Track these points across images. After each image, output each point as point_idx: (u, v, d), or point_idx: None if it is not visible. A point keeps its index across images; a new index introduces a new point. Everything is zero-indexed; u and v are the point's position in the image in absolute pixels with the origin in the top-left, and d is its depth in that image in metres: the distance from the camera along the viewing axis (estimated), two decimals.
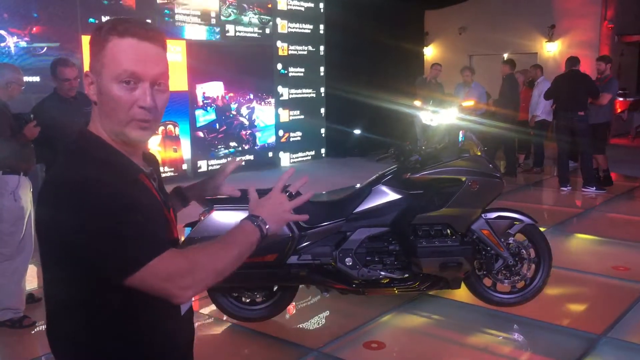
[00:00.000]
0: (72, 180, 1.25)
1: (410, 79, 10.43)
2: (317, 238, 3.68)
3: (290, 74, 10.45)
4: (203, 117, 9.17)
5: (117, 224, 1.21)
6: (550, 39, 13.62)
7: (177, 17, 8.65)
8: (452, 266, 3.66)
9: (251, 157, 9.93)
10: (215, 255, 1.32)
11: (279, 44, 10.19)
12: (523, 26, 13.65)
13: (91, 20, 7.43)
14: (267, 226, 1.42)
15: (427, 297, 4.29)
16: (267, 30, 9.99)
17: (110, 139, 1.35)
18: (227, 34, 9.36)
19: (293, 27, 10.42)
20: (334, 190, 7.63)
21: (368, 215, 3.75)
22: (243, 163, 1.98)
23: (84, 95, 4.31)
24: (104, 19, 6.81)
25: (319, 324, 4.08)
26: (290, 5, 10.33)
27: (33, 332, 3.88)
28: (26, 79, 5.07)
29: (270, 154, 10.30)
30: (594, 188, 7.95)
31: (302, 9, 10.59)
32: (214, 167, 9.34)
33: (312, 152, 11.09)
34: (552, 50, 13.64)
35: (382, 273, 3.70)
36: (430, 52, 15.15)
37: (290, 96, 10.51)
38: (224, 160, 9.50)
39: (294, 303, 4.07)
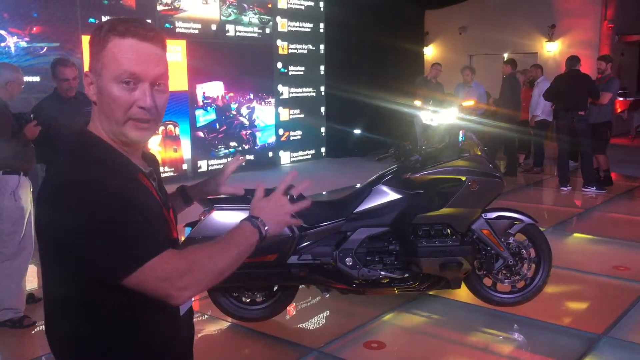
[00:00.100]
0: (72, 180, 1.25)
1: (411, 78, 10.43)
2: (317, 238, 3.68)
3: (290, 73, 10.45)
4: (203, 117, 9.17)
5: (116, 224, 1.21)
6: (551, 38, 13.62)
7: (177, 17, 8.65)
8: (452, 266, 3.66)
9: (251, 157, 9.93)
10: (214, 256, 1.31)
11: (279, 42, 10.19)
12: (523, 26, 13.65)
13: (91, 20, 7.43)
14: (266, 227, 1.41)
15: (427, 297, 4.28)
16: (267, 30, 9.99)
17: (109, 139, 1.34)
18: (227, 34, 9.36)
19: (293, 26, 10.42)
20: (334, 190, 7.64)
21: (368, 215, 3.75)
22: (244, 163, 1.97)
23: (84, 95, 4.31)
24: (104, 19, 6.81)
25: (319, 323, 4.08)
26: (291, 3, 10.33)
27: (33, 332, 3.87)
28: (26, 79, 5.07)
29: (271, 154, 10.30)
30: (594, 188, 7.95)
31: (302, 7, 10.59)
32: (214, 167, 9.34)
33: (312, 151, 11.09)
34: (552, 50, 13.64)
35: (382, 273, 3.70)
36: (431, 52, 15.15)
37: (291, 95, 10.51)
38: (224, 160, 9.50)
39: (294, 303, 4.06)
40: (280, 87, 10.29)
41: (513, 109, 8.86)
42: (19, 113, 4.00)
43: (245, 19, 9.63)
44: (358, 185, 4.24)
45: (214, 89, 9.26)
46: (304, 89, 10.76)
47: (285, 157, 10.57)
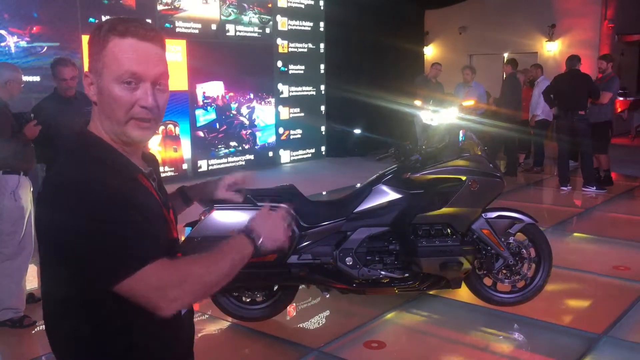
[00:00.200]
0: (72, 180, 1.25)
1: (411, 78, 10.43)
2: (317, 237, 3.68)
3: (290, 72, 10.46)
4: (203, 117, 9.17)
5: (114, 225, 1.21)
6: (551, 38, 13.62)
7: (177, 17, 8.65)
8: (453, 266, 3.66)
9: (251, 157, 9.94)
10: (206, 268, 1.30)
11: (279, 41, 10.19)
12: (523, 26, 13.64)
13: (91, 20, 7.42)
14: (260, 241, 1.42)
15: (428, 296, 4.28)
16: (267, 30, 9.99)
17: (110, 139, 1.34)
18: (227, 34, 9.36)
19: (293, 25, 10.42)
20: (334, 190, 7.64)
21: (368, 215, 3.75)
22: (247, 178, 1.92)
23: (84, 95, 4.28)
24: (104, 18, 6.81)
25: (319, 323, 4.07)
26: (291, 2, 10.33)
27: (33, 331, 3.87)
28: (26, 78, 5.07)
29: (271, 154, 10.30)
30: (594, 188, 7.95)
31: (302, 6, 10.59)
32: (214, 167, 9.35)
33: (313, 150, 11.09)
34: (552, 49, 13.64)
35: (383, 272, 3.70)
36: (431, 52, 15.15)
37: (291, 94, 10.51)
38: (224, 160, 9.50)
39: (294, 303, 4.06)
40: (280, 86, 10.29)
41: (513, 108, 8.85)
42: (19, 113, 4.00)
43: (246, 18, 9.63)
44: (358, 185, 4.23)
45: (214, 88, 9.26)
46: (304, 88, 10.77)
47: (285, 155, 10.57)
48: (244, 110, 9.79)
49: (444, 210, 3.71)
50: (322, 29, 10.95)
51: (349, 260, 3.66)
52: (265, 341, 3.74)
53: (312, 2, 10.75)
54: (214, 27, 9.14)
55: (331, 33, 10.94)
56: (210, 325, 3.97)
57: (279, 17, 10.15)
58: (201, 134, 9.14)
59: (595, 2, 13.11)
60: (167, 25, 8.46)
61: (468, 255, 3.68)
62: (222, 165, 9.46)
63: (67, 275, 1.27)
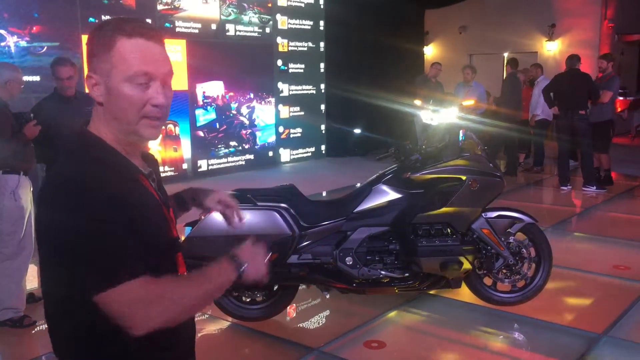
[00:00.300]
0: (71, 181, 1.25)
1: (411, 78, 10.43)
2: (317, 237, 3.68)
3: (290, 70, 10.46)
4: (203, 117, 9.16)
5: (115, 224, 1.22)
6: (551, 38, 13.62)
7: (177, 16, 8.65)
8: (453, 265, 3.66)
9: (251, 157, 9.93)
10: (188, 291, 1.30)
11: (279, 40, 10.20)
12: (523, 25, 13.64)
13: (91, 19, 7.42)
14: (243, 268, 1.41)
15: (428, 296, 4.28)
16: (267, 30, 9.99)
17: (111, 140, 1.35)
18: (227, 33, 9.36)
19: (293, 23, 10.43)
20: (334, 190, 7.64)
21: (368, 215, 3.75)
22: (238, 217, 1.89)
23: (84, 95, 4.31)
24: (104, 18, 6.81)
25: (319, 323, 4.08)
26: (291, 1, 10.33)
27: (33, 331, 3.87)
28: (26, 78, 5.07)
29: (271, 153, 10.30)
30: (594, 187, 7.95)
31: (302, 5, 10.59)
32: (214, 167, 9.34)
33: (312, 149, 11.09)
34: (552, 49, 13.64)
35: (383, 272, 3.70)
36: (431, 52, 15.14)
37: (291, 92, 10.51)
38: (224, 160, 9.50)
39: (294, 303, 4.06)
40: (280, 85, 10.29)
41: (514, 108, 8.85)
42: (19, 113, 4.00)
43: (245, 18, 9.63)
44: (358, 185, 4.24)
45: (214, 88, 9.26)
46: (304, 87, 10.77)
47: (285, 154, 10.57)
48: (244, 110, 9.79)
49: (444, 209, 3.71)
50: (322, 28, 10.95)
51: (349, 260, 3.66)
52: (265, 341, 3.74)
53: (312, 1, 10.75)
54: (213, 26, 9.14)
55: (331, 32, 10.94)
56: (210, 325, 3.97)
57: (279, 16, 10.15)
58: (201, 133, 9.14)
59: (595, 2, 13.10)
60: (167, 25, 8.45)
61: (468, 254, 3.68)
62: (222, 165, 9.46)
63: (65, 275, 1.27)
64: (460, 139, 3.97)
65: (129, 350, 1.32)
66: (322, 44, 10.98)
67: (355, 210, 3.75)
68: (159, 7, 8.39)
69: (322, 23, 10.93)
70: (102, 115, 1.34)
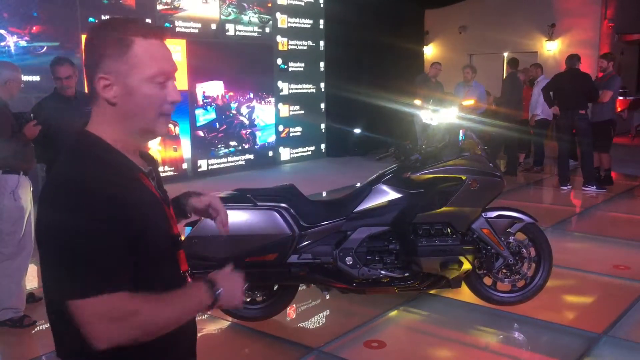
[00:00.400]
0: (72, 180, 1.26)
1: (411, 78, 10.42)
2: (317, 237, 3.67)
3: (290, 69, 10.46)
4: (203, 117, 9.17)
5: (108, 228, 1.22)
6: (551, 37, 13.62)
7: (177, 16, 8.65)
8: (453, 265, 3.66)
9: (251, 156, 9.94)
10: (161, 310, 1.29)
11: (278, 38, 10.20)
12: (523, 25, 13.64)
13: (91, 19, 7.42)
14: (218, 292, 1.39)
15: (428, 296, 4.28)
16: (267, 29, 9.99)
17: (110, 139, 1.35)
18: (227, 33, 9.36)
19: (293, 22, 10.43)
20: (334, 190, 7.64)
21: (368, 215, 3.74)
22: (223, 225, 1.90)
23: (84, 95, 4.30)
24: (104, 17, 6.80)
25: (319, 323, 4.08)
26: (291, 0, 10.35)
27: (33, 331, 3.86)
28: (26, 78, 5.07)
29: (270, 153, 10.30)
30: (594, 187, 7.95)
31: (302, 3, 10.60)
32: (214, 167, 9.34)
33: (312, 148, 11.09)
34: (552, 49, 13.64)
35: (383, 272, 3.70)
36: (430, 51, 15.14)
37: (290, 91, 10.51)
38: (224, 160, 9.50)
39: (294, 303, 4.06)
40: (280, 84, 10.30)
41: (514, 108, 8.85)
42: (19, 112, 4.00)
43: (245, 18, 9.63)
44: (358, 185, 4.23)
45: (213, 88, 9.26)
46: (304, 86, 10.77)
47: (285, 153, 10.58)
48: (244, 109, 9.79)
49: (444, 209, 3.71)
50: (322, 27, 10.95)
51: (349, 260, 3.66)
52: (265, 341, 3.74)
53: (312, 0, 10.75)
54: (213, 26, 9.14)
55: (331, 31, 10.94)
56: (210, 325, 3.97)
57: (278, 15, 10.15)
58: (201, 133, 9.14)
59: (595, 1, 13.10)
60: (167, 24, 8.44)
61: (468, 254, 3.68)
62: (222, 165, 9.46)
63: (65, 276, 1.27)
64: (460, 138, 3.97)
65: (130, 351, 1.32)
66: (322, 43, 10.98)
67: (355, 210, 3.75)
68: (159, 6, 8.39)
69: (322, 22, 10.94)
70: (110, 116, 1.34)
